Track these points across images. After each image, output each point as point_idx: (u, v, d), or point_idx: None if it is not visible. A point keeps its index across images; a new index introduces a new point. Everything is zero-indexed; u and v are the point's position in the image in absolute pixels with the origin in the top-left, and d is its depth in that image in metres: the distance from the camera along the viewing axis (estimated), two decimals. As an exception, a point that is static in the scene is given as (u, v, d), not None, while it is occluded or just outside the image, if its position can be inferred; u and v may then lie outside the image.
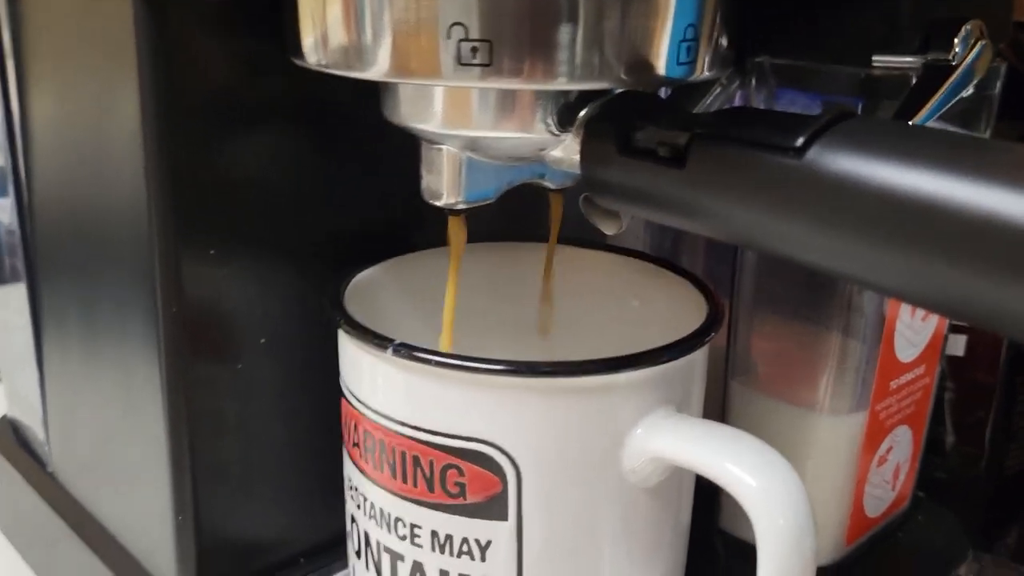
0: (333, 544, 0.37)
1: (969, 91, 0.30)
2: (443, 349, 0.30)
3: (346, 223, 0.35)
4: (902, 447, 0.37)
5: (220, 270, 0.32)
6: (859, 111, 0.31)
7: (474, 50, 0.23)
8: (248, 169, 0.32)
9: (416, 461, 0.28)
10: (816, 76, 0.32)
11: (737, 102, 0.33)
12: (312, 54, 0.26)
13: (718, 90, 0.32)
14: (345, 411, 0.30)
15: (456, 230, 0.29)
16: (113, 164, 0.33)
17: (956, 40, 0.29)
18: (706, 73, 0.26)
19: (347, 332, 0.28)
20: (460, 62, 0.23)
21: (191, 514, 0.34)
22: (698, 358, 0.29)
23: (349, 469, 0.31)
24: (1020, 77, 0.43)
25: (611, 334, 0.36)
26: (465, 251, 0.32)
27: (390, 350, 0.27)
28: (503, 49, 0.23)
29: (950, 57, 0.29)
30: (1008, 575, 0.43)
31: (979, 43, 0.29)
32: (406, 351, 0.26)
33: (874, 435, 0.35)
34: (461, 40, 0.23)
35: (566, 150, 0.26)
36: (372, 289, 0.33)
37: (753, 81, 0.33)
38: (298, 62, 0.26)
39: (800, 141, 0.21)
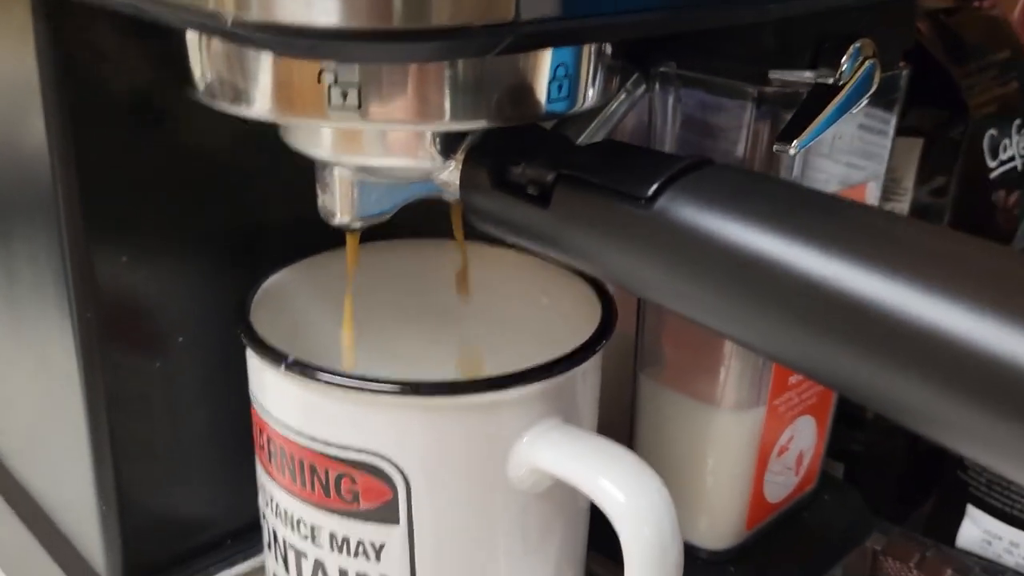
0: (256, 527, 0.39)
1: (862, 103, 0.31)
2: (345, 364, 0.31)
3: (263, 220, 0.36)
4: (805, 436, 0.39)
5: (134, 272, 0.33)
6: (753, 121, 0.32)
7: (344, 94, 0.23)
8: (159, 168, 0.33)
9: (313, 469, 0.29)
10: (720, 85, 0.32)
11: (643, 107, 0.34)
12: (204, 93, 0.26)
13: (623, 96, 0.33)
14: (253, 416, 0.32)
15: (351, 248, 0.30)
16: (23, 158, 0.33)
17: (844, 59, 0.30)
18: (588, 104, 0.26)
19: (247, 344, 0.29)
20: (331, 105, 0.24)
21: (114, 499, 0.35)
22: (587, 368, 0.30)
23: (259, 468, 0.32)
24: (935, 64, 0.43)
25: (520, 331, 0.37)
26: (376, 248, 0.33)
27: (283, 366, 0.28)
28: (373, 92, 0.23)
29: (837, 76, 0.30)
30: (914, 548, 0.45)
31: (867, 62, 0.30)
32: (298, 368, 0.28)
33: (773, 428, 0.37)
34: (331, 85, 0.23)
35: (452, 175, 0.27)
36: (284, 292, 0.34)
37: (657, 86, 0.34)
38: (189, 94, 0.27)
39: (650, 191, 0.22)
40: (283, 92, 0.24)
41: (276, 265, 0.34)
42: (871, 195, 0.37)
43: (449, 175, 0.27)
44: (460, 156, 0.26)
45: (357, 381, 0.27)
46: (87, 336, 0.33)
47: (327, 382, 0.27)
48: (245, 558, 0.38)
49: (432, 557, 0.29)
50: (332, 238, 0.36)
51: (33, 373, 0.38)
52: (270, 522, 0.32)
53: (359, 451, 0.28)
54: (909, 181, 0.44)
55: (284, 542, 0.31)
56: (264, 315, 0.32)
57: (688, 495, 0.37)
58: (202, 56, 0.26)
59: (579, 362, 0.29)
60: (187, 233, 0.34)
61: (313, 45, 0.19)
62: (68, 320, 0.33)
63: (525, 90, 0.25)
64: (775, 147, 0.29)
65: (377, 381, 0.27)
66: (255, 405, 0.31)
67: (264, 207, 0.35)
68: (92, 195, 0.32)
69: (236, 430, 0.37)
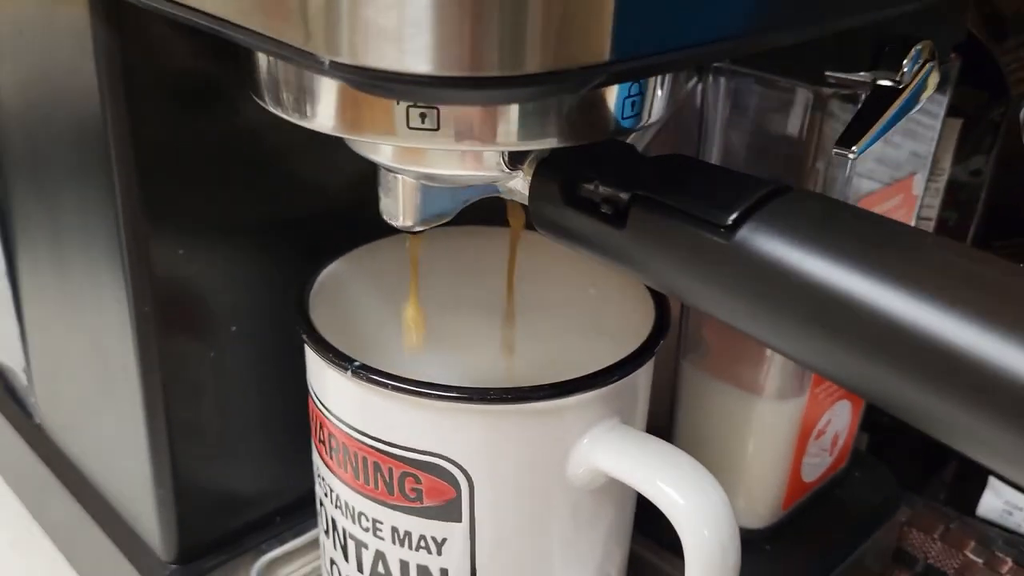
0: (307, 503, 0.40)
1: (920, 105, 0.31)
2: (408, 343, 0.32)
3: (318, 208, 0.36)
4: (841, 418, 0.40)
5: (190, 264, 0.34)
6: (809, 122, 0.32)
7: (423, 116, 0.23)
8: (215, 156, 0.33)
9: (376, 467, 0.30)
10: (776, 83, 0.32)
11: (696, 97, 0.34)
12: (269, 100, 0.26)
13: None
14: (312, 409, 0.32)
15: (414, 248, 0.30)
16: (78, 141, 0.33)
17: (904, 61, 0.30)
18: (655, 117, 0.26)
19: (309, 345, 0.30)
20: (409, 126, 0.24)
21: (170, 481, 0.36)
22: (644, 369, 0.30)
23: (317, 460, 0.33)
24: (976, 44, 0.43)
25: (568, 320, 0.37)
26: (427, 234, 0.33)
27: (349, 371, 0.28)
28: (451, 114, 0.23)
29: (898, 78, 0.30)
30: (938, 519, 0.46)
31: (928, 64, 0.30)
32: (364, 374, 0.28)
33: (813, 414, 0.37)
34: (410, 106, 0.23)
35: (519, 184, 0.27)
36: (340, 282, 0.35)
37: (711, 79, 0.34)
38: (256, 100, 0.27)
39: (730, 219, 0.22)
40: (353, 110, 0.24)
41: (331, 255, 0.35)
42: (917, 186, 0.37)
43: (517, 184, 0.27)
44: (529, 168, 0.26)
45: (424, 388, 0.28)
46: (144, 329, 0.33)
47: (394, 387, 0.28)
48: (294, 535, 0.39)
49: (491, 549, 0.30)
50: (386, 225, 0.36)
51: (86, 356, 0.39)
52: (328, 511, 0.33)
53: (423, 453, 0.29)
54: (946, 162, 0.44)
55: (344, 532, 0.32)
56: (321, 306, 0.32)
57: (727, 478, 0.38)
58: (269, 66, 0.25)
59: (638, 365, 0.29)
60: (241, 223, 0.34)
61: (407, 90, 0.19)
62: (126, 313, 0.33)
63: (598, 110, 0.25)
64: (835, 151, 0.29)
65: (443, 388, 0.28)
66: (314, 400, 0.31)
67: (320, 195, 0.36)
68: (150, 185, 0.32)
69: (287, 413, 0.38)
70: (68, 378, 0.41)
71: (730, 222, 0.22)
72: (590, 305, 0.36)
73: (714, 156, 0.34)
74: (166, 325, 0.34)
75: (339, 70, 0.19)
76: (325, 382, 0.30)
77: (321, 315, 0.32)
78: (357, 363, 0.28)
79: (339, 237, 0.36)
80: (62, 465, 0.43)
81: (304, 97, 0.25)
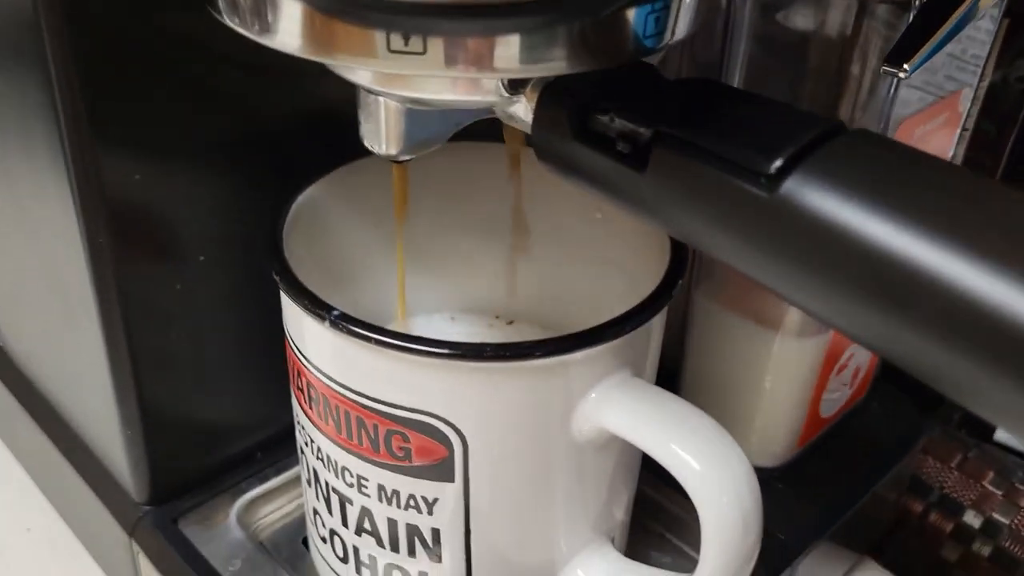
0: (290, 436, 0.37)
1: (977, 18, 0.27)
2: (399, 315, 0.29)
3: (289, 126, 0.32)
4: (863, 351, 0.37)
5: (148, 191, 0.30)
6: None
7: (406, 38, 0.19)
8: (171, 60, 0.29)
9: (360, 422, 0.27)
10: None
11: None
12: (230, 14, 0.22)
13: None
14: (289, 355, 0.29)
15: (399, 178, 0.27)
16: (11, 48, 0.29)
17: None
18: (681, 35, 0.22)
19: (283, 290, 0.27)
20: (390, 49, 0.20)
21: (138, 417, 0.33)
22: (658, 318, 0.27)
23: (296, 407, 0.30)
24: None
25: (571, 247, 0.34)
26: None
27: (327, 322, 0.25)
28: (439, 37, 0.20)
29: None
30: (955, 448, 0.44)
31: (989, -29, 0.26)
32: (344, 325, 0.25)
33: (836, 350, 0.35)
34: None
35: (520, 110, 0.23)
36: (317, 210, 0.31)
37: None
38: (215, 15, 0.23)
39: (774, 167, 0.19)
40: (323, 28, 0.20)
41: (304, 180, 0.31)
42: (964, 103, 0.33)
43: (518, 110, 0.23)
44: (532, 93, 0.23)
45: (412, 344, 0.24)
46: (100, 262, 0.30)
47: (379, 342, 0.25)
48: (276, 472, 0.37)
49: (487, 509, 0.28)
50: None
51: (43, 285, 0.35)
52: (310, 461, 0.30)
53: (412, 411, 0.26)
54: (989, 66, 0.40)
55: (327, 485, 0.29)
56: (297, 238, 0.29)
57: (739, 415, 0.36)
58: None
59: (653, 312, 0.26)
60: (205, 141, 0.31)
61: (385, 19, 0.15)
62: (79, 245, 0.30)
63: (614, 28, 0.21)
64: (883, 68, 0.26)
65: (434, 344, 0.24)
66: (291, 344, 0.28)
67: (295, 108, 0.32)
68: (96, 97, 0.28)
69: (266, 342, 0.35)
70: (28, 306, 0.38)
71: (773, 171, 0.19)
72: (596, 232, 0.33)
73: (738, 72, 0.30)
74: (125, 257, 0.30)
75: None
76: (302, 328, 0.27)
77: (298, 247, 0.28)
78: (336, 312, 0.25)
79: (317, 155, 0.32)
80: (29, 394, 0.40)
81: (263, 8, 0.21)
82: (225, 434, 0.36)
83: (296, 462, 0.37)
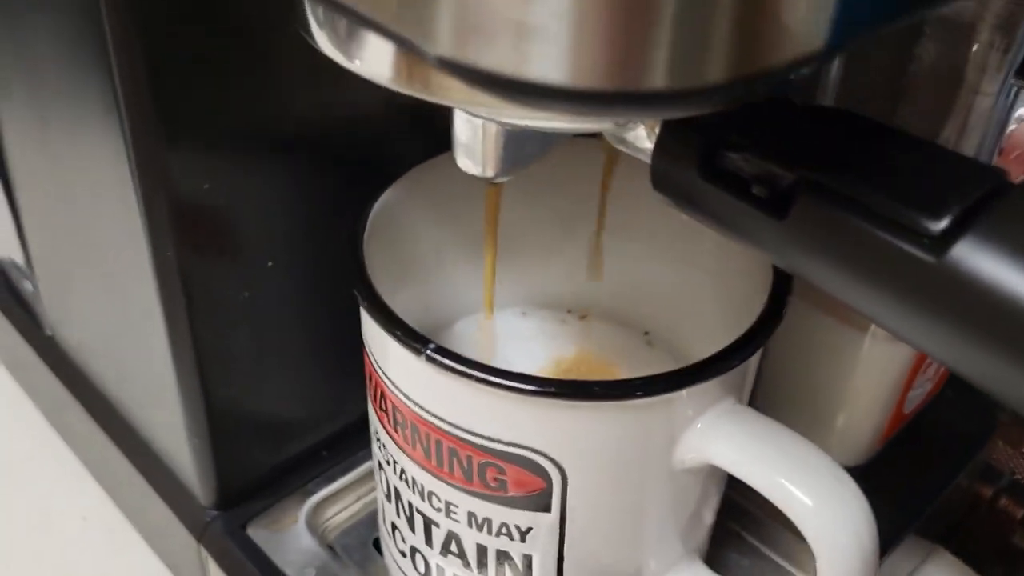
0: (353, 432, 0.36)
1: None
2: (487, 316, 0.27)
3: (364, 130, 0.30)
4: (950, 346, 0.36)
5: (216, 199, 0.28)
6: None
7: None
8: (239, 57, 0.27)
9: (452, 453, 0.26)
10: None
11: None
12: (316, 40, 0.20)
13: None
14: (369, 372, 0.28)
15: (492, 198, 0.25)
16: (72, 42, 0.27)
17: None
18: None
19: (372, 317, 0.25)
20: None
21: (205, 420, 0.32)
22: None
23: (375, 422, 0.29)
24: None
25: (656, 245, 0.32)
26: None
27: (423, 356, 0.24)
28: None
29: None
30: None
31: None
32: (441, 361, 0.24)
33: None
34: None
35: (636, 138, 0.22)
36: (395, 214, 0.29)
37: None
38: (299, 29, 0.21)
39: (941, 225, 0.17)
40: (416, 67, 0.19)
41: (378, 183, 0.29)
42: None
43: (634, 138, 0.22)
44: (654, 122, 0.21)
45: (513, 382, 0.23)
46: (166, 272, 0.29)
47: (478, 379, 0.23)
48: (343, 471, 0.36)
49: (581, 536, 0.27)
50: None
51: (102, 283, 0.34)
52: (390, 479, 0.29)
53: (510, 444, 0.25)
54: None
55: (410, 505, 0.28)
56: (374, 245, 0.27)
57: (821, 415, 0.35)
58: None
59: (763, 340, 0.25)
60: (272, 146, 0.29)
61: (539, 102, 0.14)
62: (146, 256, 0.28)
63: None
64: (1012, 82, 0.24)
65: (537, 382, 0.23)
66: (373, 365, 0.27)
67: (364, 113, 0.30)
68: (162, 93, 0.26)
69: (329, 340, 0.34)
70: (83, 300, 0.37)
71: (940, 230, 0.17)
72: (683, 230, 0.31)
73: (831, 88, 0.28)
74: (192, 266, 0.29)
75: (446, 64, 0.14)
76: (387, 352, 0.26)
77: (374, 253, 0.27)
78: (432, 346, 0.24)
79: (390, 155, 0.30)
80: (82, 387, 0.39)
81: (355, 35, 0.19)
82: (290, 432, 0.35)
83: (362, 459, 0.36)
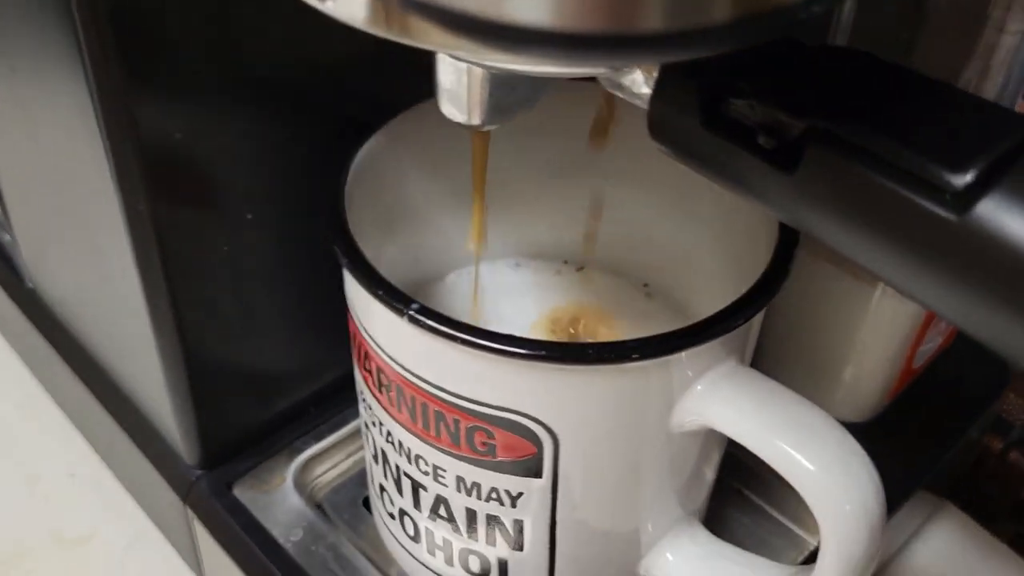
0: (341, 387, 0.35)
1: None
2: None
3: (340, 75, 0.28)
4: (963, 299, 0.34)
5: (190, 149, 0.27)
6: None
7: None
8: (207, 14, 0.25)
9: (439, 416, 0.24)
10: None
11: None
12: None
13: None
14: (353, 332, 0.27)
15: (480, 147, 0.24)
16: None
17: None
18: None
19: (353, 277, 0.24)
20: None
21: (185, 377, 0.31)
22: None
23: (361, 384, 0.28)
24: None
25: (654, 196, 0.31)
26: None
27: (406, 317, 0.22)
28: None
29: None
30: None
31: None
32: (425, 322, 0.22)
33: (938, 304, 0.32)
34: None
35: (632, 83, 0.20)
36: (379, 164, 0.28)
37: None
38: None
39: (965, 180, 0.16)
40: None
41: (359, 132, 0.28)
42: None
43: (631, 82, 0.20)
44: (652, 65, 0.19)
45: (504, 344, 0.22)
46: (139, 227, 0.27)
47: (464, 341, 0.22)
48: (331, 428, 0.35)
49: (574, 503, 0.26)
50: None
51: (78, 236, 0.33)
52: (376, 441, 0.28)
53: (498, 408, 0.23)
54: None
55: (397, 468, 0.27)
56: (357, 197, 0.26)
57: (826, 370, 0.33)
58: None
59: (767, 300, 0.23)
60: (246, 93, 0.27)
61: (531, 49, 0.12)
62: (118, 210, 0.27)
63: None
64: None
65: (528, 345, 0.22)
66: (357, 325, 0.26)
67: (342, 55, 0.28)
68: (128, 42, 0.24)
69: (312, 293, 0.32)
70: (61, 254, 0.35)
71: (963, 184, 0.16)
72: (684, 181, 0.30)
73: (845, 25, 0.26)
74: (166, 222, 0.27)
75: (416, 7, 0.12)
76: (371, 313, 0.25)
77: (358, 205, 0.26)
78: (416, 306, 0.22)
79: (374, 102, 0.29)
80: (65, 342, 0.38)
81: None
82: (276, 388, 0.34)
83: (351, 416, 0.35)
